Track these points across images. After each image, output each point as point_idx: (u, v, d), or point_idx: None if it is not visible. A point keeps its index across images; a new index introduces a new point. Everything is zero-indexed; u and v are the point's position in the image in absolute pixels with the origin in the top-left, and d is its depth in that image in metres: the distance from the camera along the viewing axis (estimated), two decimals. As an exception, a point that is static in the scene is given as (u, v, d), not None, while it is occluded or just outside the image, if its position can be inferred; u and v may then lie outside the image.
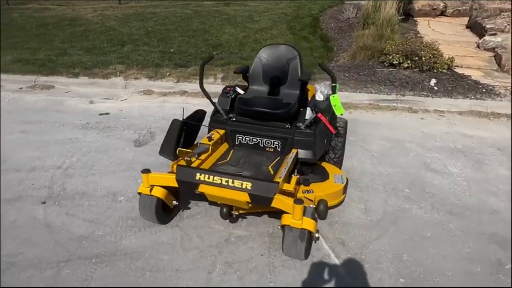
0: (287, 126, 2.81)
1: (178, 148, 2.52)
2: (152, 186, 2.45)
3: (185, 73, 5.88)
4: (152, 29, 8.18)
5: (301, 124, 2.80)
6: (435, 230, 2.67)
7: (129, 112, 4.76)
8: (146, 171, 2.44)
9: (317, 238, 2.30)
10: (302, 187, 2.68)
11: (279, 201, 2.18)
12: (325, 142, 2.96)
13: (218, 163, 2.71)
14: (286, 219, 2.20)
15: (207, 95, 3.02)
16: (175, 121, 2.88)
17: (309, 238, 2.20)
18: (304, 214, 2.21)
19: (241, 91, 3.21)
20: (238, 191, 2.22)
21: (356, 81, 5.65)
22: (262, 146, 2.88)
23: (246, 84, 3.33)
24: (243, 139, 2.92)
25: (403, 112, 4.94)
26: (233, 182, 2.23)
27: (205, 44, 7.27)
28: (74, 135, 4.02)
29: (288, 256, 2.28)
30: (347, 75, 5.86)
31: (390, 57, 5.86)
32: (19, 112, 4.65)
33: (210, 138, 2.78)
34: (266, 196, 2.18)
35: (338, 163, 3.19)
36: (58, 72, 5.88)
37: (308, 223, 2.17)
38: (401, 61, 5.82)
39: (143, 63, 6.21)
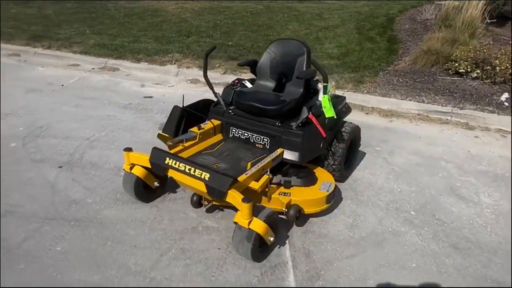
0: (277, 123, 2.71)
1: (158, 132, 2.63)
2: (132, 165, 2.60)
3: (234, 66, 6.01)
4: (220, 22, 8.52)
5: (294, 124, 2.67)
6: (424, 262, 2.32)
7: (170, 97, 5.06)
8: (128, 149, 2.60)
9: (272, 242, 2.19)
10: (282, 189, 2.57)
11: (231, 197, 2.14)
12: (319, 146, 2.77)
13: (203, 152, 2.75)
14: (237, 216, 2.14)
15: (210, 85, 3.06)
16: (175, 107, 3.00)
17: (257, 240, 2.11)
18: (258, 215, 2.13)
19: (249, 85, 3.19)
20: (198, 180, 2.23)
21: (409, 88, 5.12)
22: (252, 141, 2.83)
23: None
24: (236, 133, 2.90)
25: (456, 128, 4.34)
26: (194, 171, 2.25)
27: (264, 39, 7.31)
28: (113, 113, 4.44)
29: (238, 254, 2.23)
30: (400, 80, 5.34)
31: (457, 64, 5.17)
32: (82, 89, 5.30)
33: (199, 127, 2.83)
34: (219, 189, 2.15)
35: (338, 171, 2.96)
36: (125, 57, 6.51)
37: (256, 225, 2.08)
38: (469, 69, 5.10)
39: (199, 53, 6.51)
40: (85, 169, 3.21)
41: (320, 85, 2.81)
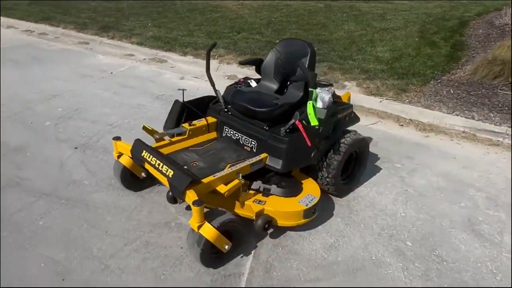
0: (265, 127, 2.58)
1: (143, 125, 2.67)
2: (120, 154, 2.69)
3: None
4: (275, 19, 8.44)
5: (283, 129, 2.51)
6: (397, 302, 2.02)
7: (203, 91, 5.13)
8: (117, 138, 2.70)
9: (227, 250, 2.10)
10: (259, 196, 2.45)
11: (188, 197, 2.09)
12: (309, 156, 2.57)
13: (189, 148, 2.73)
14: (191, 218, 2.08)
15: (211, 82, 3.03)
16: (176, 101, 3.04)
17: (207, 245, 2.03)
18: (213, 220, 2.05)
19: (254, 84, 3.09)
20: (164, 177, 2.22)
21: (460, 101, 4.52)
22: (241, 143, 2.74)
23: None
24: (229, 132, 2.84)
25: (505, 152, 3.72)
26: (162, 167, 2.25)
27: (314, 38, 7.06)
28: (144, 102, 4.67)
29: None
30: (452, 91, 4.74)
31: (525, 78, 4.41)
32: (127, 77, 5.67)
33: (190, 123, 2.82)
34: (178, 188, 2.12)
35: (333, 185, 2.72)
36: (175, 50, 6.80)
37: (206, 230, 2.00)
38: (539, 86, 4.31)
39: (244, 50, 6.53)
40: (95, 153, 3.42)
41: (319, 90, 2.60)
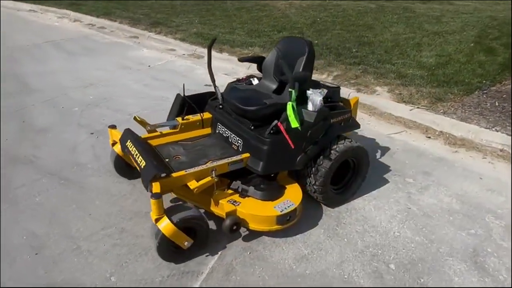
0: (251, 126, 2.50)
1: (134, 115, 2.74)
2: (115, 142, 2.79)
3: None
4: (320, 19, 8.21)
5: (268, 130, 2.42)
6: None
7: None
8: (112, 126, 2.80)
9: (185, 246, 2.08)
10: (235, 196, 2.39)
11: (153, 190, 2.09)
12: (293, 160, 2.44)
13: (178, 142, 2.75)
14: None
15: (212, 78, 3.02)
16: (178, 95, 3.08)
17: (164, 239, 2.02)
18: (174, 215, 2.03)
19: (255, 82, 3.02)
20: (138, 167, 2.26)
21: (503, 115, 4.01)
22: (230, 141, 2.69)
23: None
24: (221, 129, 2.80)
25: (547, 178, 3.20)
26: (138, 157, 2.29)
27: (356, 40, 6.75)
28: (168, 95, 4.79)
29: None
30: (496, 104, 4.22)
31: None
32: (161, 71, 5.90)
33: (183, 118, 2.83)
34: (145, 179, 2.14)
35: (321, 193, 2.56)
36: (213, 47, 6.92)
37: (163, 225, 1.99)
38: None
39: (279, 49, 6.44)
40: (107, 139, 3.57)
41: (309, 92, 2.46)
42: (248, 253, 2.28)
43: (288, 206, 2.33)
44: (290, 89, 2.25)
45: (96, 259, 2.19)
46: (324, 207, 2.73)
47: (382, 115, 4.37)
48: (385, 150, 3.59)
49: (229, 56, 6.51)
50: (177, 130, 2.81)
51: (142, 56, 6.68)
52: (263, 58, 3.00)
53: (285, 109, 2.49)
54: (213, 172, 2.28)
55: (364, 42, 6.59)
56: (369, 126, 4.11)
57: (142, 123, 2.77)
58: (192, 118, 2.87)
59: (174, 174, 2.20)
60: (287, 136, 2.30)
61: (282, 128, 2.30)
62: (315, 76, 5.54)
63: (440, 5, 8.93)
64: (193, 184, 2.21)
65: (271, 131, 2.38)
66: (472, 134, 3.83)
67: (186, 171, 2.24)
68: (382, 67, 5.44)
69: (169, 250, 2.09)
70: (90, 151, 3.36)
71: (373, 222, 2.59)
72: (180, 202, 2.26)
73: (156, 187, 2.09)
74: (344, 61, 5.75)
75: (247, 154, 2.46)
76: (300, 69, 2.60)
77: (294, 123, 2.23)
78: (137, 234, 2.39)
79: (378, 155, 3.50)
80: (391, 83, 4.93)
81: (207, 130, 2.92)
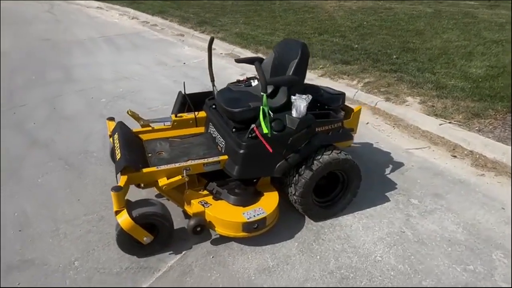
0: (233, 129, 2.45)
1: (128, 109, 2.82)
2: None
3: (337, 70, 5.51)
4: (366, 23, 7.83)
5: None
6: None
7: (253, 89, 5.17)
8: (111, 118, 2.92)
9: (145, 242, 2.10)
10: (208, 198, 2.36)
11: (120, 182, 2.14)
12: (272, 167, 2.35)
13: (169, 138, 2.78)
14: None
15: (211, 77, 3.02)
16: (179, 92, 3.13)
17: (122, 232, 2.05)
18: (134, 210, 2.07)
19: (254, 84, 2.96)
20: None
21: (549, 139, 3.45)
22: (216, 142, 2.66)
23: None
24: (211, 129, 2.79)
25: None
26: (117, 149, 2.36)
27: (399, 46, 6.32)
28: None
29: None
30: (543, 126, 3.64)
31: None
32: (194, 68, 6.06)
33: (176, 115, 2.86)
34: (116, 171, 2.19)
35: (301, 204, 2.43)
36: (249, 47, 6.94)
37: (121, 218, 2.03)
38: None
39: (313, 52, 6.25)
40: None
41: (294, 98, 2.34)
42: (211, 257, 2.23)
43: (258, 214, 2.24)
44: (262, 93, 2.15)
45: (68, 242, 2.31)
46: (307, 219, 2.58)
47: (407, 128, 4.03)
48: (397, 165, 3.30)
49: (263, 57, 6.47)
50: (170, 126, 2.86)
51: (182, 54, 6.91)
52: (262, 59, 2.92)
53: (273, 112, 2.41)
54: (185, 171, 2.27)
55: (408, 49, 6.14)
56: (388, 139, 3.81)
57: (135, 117, 2.85)
58: (185, 116, 2.90)
59: (144, 170, 2.23)
60: (264, 141, 2.21)
61: (257, 132, 2.22)
62: (345, 82, 5.31)
63: (509, 10, 8.00)
64: (162, 181, 2.23)
65: (250, 135, 2.31)
66: (507, 157, 3.37)
67: (157, 168, 2.26)
68: (420, 76, 5.02)
69: (129, 243, 2.12)
70: (100, 141, 3.56)
71: (356, 242, 2.39)
72: (148, 198, 2.28)
73: (123, 180, 2.14)
74: (380, 67, 5.41)
75: (225, 157, 2.41)
76: (290, 73, 2.48)
77: (265, 129, 2.13)
78: (113, 223, 2.45)
79: (387, 170, 3.23)
80: (425, 94, 4.53)
81: (201, 129, 2.93)
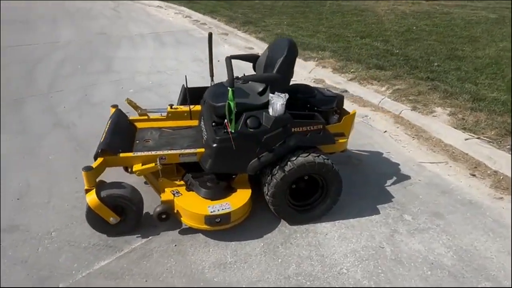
0: (213, 123, 2.47)
1: (127, 98, 2.97)
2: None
3: (368, 74, 5.26)
4: (416, 28, 7.35)
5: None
6: None
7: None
8: (114, 106, 3.10)
9: (113, 223, 2.21)
10: (181, 188, 2.42)
11: (94, 164, 2.28)
12: (244, 164, 2.34)
13: (161, 128, 2.89)
14: None
15: (211, 72, 3.07)
16: (182, 86, 3.24)
17: (90, 211, 2.17)
18: (103, 190, 2.19)
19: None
20: (101, 142, 2.49)
21: None
22: (202, 135, 2.70)
23: None
24: (202, 123, 2.83)
25: None
26: (104, 133, 2.51)
27: (445, 53, 5.86)
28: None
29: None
30: None
31: None
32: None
33: (172, 107, 2.95)
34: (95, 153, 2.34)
35: (273, 205, 2.38)
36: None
37: (89, 197, 2.15)
38: None
39: (349, 56, 6.04)
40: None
41: (271, 96, 2.29)
42: (174, 245, 2.28)
43: (223, 209, 2.24)
44: (231, 88, 2.14)
45: (54, 215, 2.51)
46: (283, 222, 2.51)
47: (428, 140, 3.71)
48: (402, 178, 3.07)
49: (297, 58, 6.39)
50: (165, 117, 2.96)
51: (220, 52, 7.07)
52: (258, 56, 2.90)
53: (250, 109, 2.40)
54: (160, 159, 2.35)
55: (455, 56, 5.65)
56: (402, 150, 3.55)
57: (134, 106, 3.00)
58: (181, 108, 2.99)
59: (121, 154, 2.35)
60: (230, 136, 2.21)
61: (228, 128, 2.22)
62: (373, 87, 5.04)
63: None
64: (136, 167, 2.32)
65: (225, 130, 2.32)
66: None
67: (134, 153, 2.37)
68: (459, 86, 4.60)
69: (97, 222, 2.24)
70: (100, 119, 3.76)
71: (326, 251, 2.27)
72: (121, 181, 2.37)
73: (98, 161, 2.28)
74: (416, 74, 5.06)
75: (203, 149, 2.44)
76: (274, 71, 2.44)
77: (232, 127, 2.13)
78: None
79: (388, 182, 3.02)
80: (458, 105, 4.14)
81: (195, 122, 2.99)
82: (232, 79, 2.14)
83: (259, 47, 7.18)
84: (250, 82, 2.95)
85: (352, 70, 5.49)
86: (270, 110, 2.31)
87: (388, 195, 2.85)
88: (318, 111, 2.61)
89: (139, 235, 2.35)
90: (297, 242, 2.35)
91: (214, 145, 2.31)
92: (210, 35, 3.01)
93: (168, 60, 6.31)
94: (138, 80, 5.26)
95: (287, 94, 2.30)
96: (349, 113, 2.79)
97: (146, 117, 2.98)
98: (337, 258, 2.23)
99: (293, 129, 2.31)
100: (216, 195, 2.34)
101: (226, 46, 7.51)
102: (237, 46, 7.42)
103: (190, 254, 2.22)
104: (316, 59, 6.12)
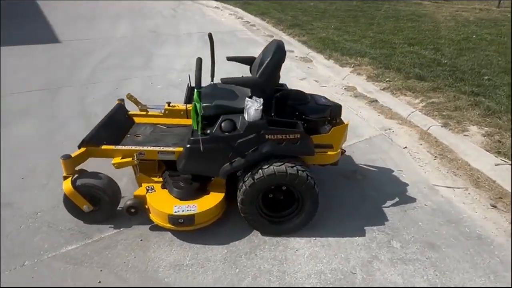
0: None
1: (128, 93, 3.06)
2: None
3: (404, 85, 4.87)
4: (475, 37, 6.65)
5: (208, 130, 2.32)
6: None
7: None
8: (121, 100, 3.23)
9: (87, 211, 2.31)
10: (157, 185, 2.45)
11: (75, 152, 2.40)
12: (216, 167, 2.29)
13: (156, 124, 2.94)
14: None
15: (212, 73, 3.06)
16: (187, 85, 3.28)
17: (65, 197, 2.28)
18: (80, 178, 2.29)
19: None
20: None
21: None
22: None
23: None
24: (193, 122, 2.84)
25: None
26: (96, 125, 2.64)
27: (503, 66, 5.20)
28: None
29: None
30: None
31: None
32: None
33: (169, 104, 3.00)
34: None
35: (243, 213, 2.30)
36: (324, 52, 6.63)
37: (65, 184, 2.26)
38: None
39: (388, 64, 5.64)
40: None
41: (247, 99, 2.21)
42: (140, 240, 2.31)
43: (187, 210, 2.22)
44: (196, 88, 2.10)
45: (46, 197, 2.68)
46: (255, 232, 2.41)
47: (452, 162, 3.32)
48: (405, 200, 2.78)
49: (334, 63, 6.15)
50: (161, 114, 3.02)
51: (257, 53, 7.09)
52: (254, 59, 2.83)
53: (229, 112, 2.35)
54: (137, 155, 2.39)
55: (483, 64, 5.02)
56: (418, 169, 3.22)
57: (135, 101, 3.10)
58: (178, 106, 3.02)
59: (104, 147, 2.44)
60: (200, 139, 2.17)
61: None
62: (406, 99, 4.65)
63: None
64: (115, 160, 2.40)
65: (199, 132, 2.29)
66: None
67: (115, 147, 2.44)
68: (506, 103, 4.05)
69: (72, 208, 2.35)
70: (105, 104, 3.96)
71: (289, 268, 2.13)
72: (99, 172, 2.45)
73: (80, 151, 2.39)
74: (459, 88, 4.57)
75: (181, 149, 2.44)
76: (257, 74, 2.35)
77: (195, 125, 2.09)
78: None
79: (388, 203, 2.75)
80: (498, 125, 3.65)
81: (190, 121, 3.01)
82: (199, 80, 2.11)
83: (300, 51, 7.05)
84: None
85: (388, 79, 5.12)
86: (246, 115, 2.23)
87: (382, 217, 2.59)
88: (307, 119, 2.47)
89: (112, 226, 2.42)
90: (263, 254, 2.24)
91: (188, 145, 2.30)
92: (210, 35, 3.01)
93: (204, 59, 6.44)
94: (168, 77, 5.46)
95: (261, 99, 2.20)
96: (342, 123, 2.60)
97: (145, 113, 3.06)
98: (299, 277, 2.08)
99: (267, 136, 2.21)
100: (186, 195, 2.32)
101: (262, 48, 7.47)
102: (278, 48, 7.33)
103: (152, 251, 2.23)
104: (352, 65, 5.82)
